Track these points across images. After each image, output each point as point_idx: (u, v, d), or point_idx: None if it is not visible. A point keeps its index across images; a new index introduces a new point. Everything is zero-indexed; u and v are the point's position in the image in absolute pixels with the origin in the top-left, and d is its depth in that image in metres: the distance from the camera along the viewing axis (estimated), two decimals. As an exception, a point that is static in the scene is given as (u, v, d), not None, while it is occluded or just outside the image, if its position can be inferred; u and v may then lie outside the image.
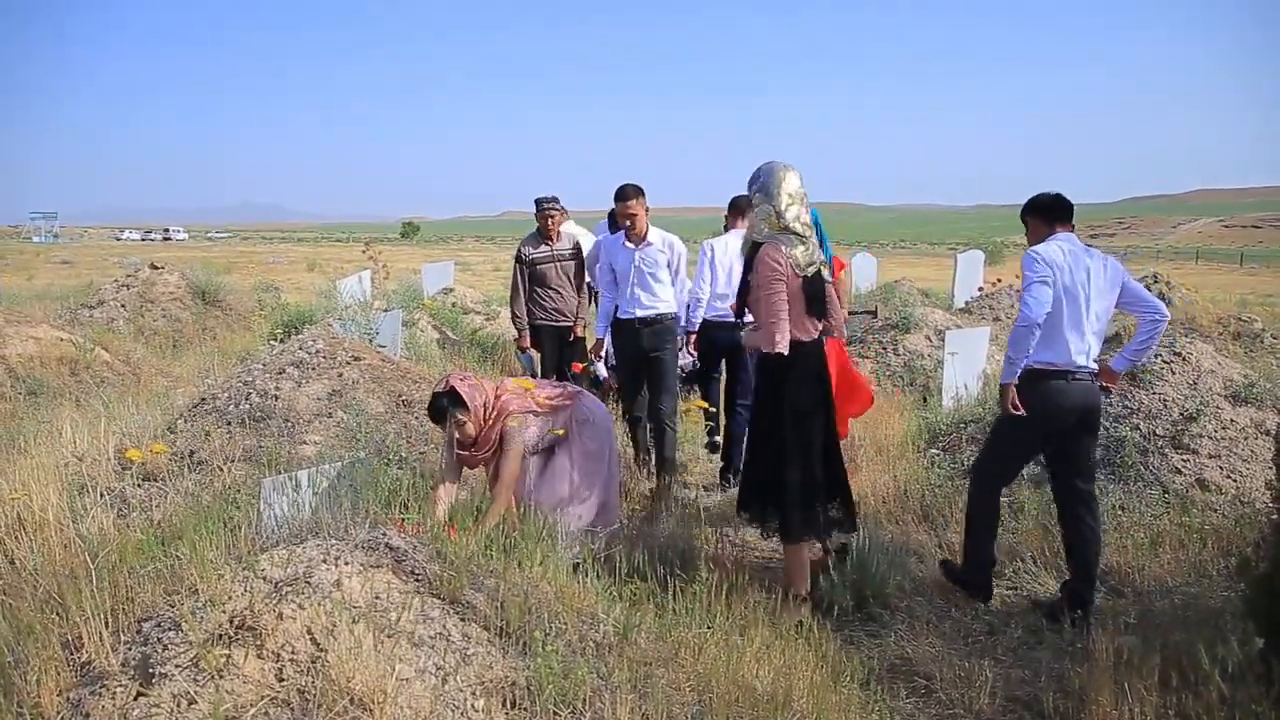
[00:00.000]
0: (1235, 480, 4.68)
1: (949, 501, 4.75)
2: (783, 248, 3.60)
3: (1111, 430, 4.96)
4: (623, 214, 5.27)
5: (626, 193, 5.21)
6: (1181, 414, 4.94)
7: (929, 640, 3.52)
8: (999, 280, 11.93)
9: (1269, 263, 51.88)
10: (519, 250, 6.32)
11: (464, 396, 3.60)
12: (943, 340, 7.33)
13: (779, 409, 3.71)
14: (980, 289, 12.04)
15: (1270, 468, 4.26)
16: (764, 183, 3.68)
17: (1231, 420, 4.93)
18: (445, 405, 3.61)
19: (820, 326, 3.78)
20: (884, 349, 8.51)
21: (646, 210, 5.26)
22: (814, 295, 3.68)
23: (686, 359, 5.60)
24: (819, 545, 4.01)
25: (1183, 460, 4.78)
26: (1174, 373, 5.19)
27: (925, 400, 6.93)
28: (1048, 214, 3.84)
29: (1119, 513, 4.48)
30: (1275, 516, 3.15)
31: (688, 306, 5.50)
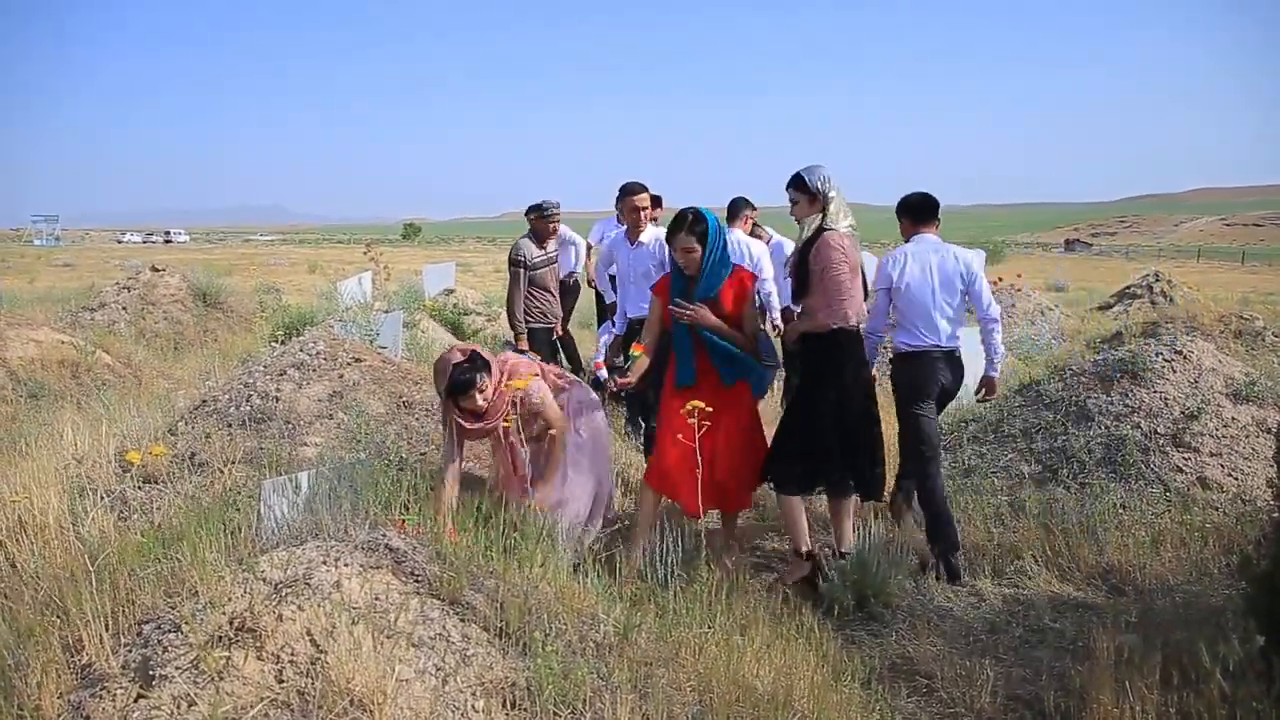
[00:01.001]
0: (1236, 478, 4.68)
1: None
2: (847, 236, 3.87)
3: (1113, 428, 4.96)
4: (635, 207, 5.16)
5: (636, 186, 5.15)
6: (1183, 412, 4.93)
7: (930, 639, 3.51)
8: (1000, 280, 11.91)
9: (1270, 261, 51.83)
10: (521, 254, 6.19)
11: (489, 361, 3.61)
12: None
13: (827, 388, 3.91)
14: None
15: (1271, 465, 4.25)
16: (834, 184, 3.89)
17: (1233, 418, 4.93)
18: (472, 377, 3.52)
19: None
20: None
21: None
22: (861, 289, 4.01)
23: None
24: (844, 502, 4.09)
25: (1184, 458, 4.78)
26: (1175, 371, 5.19)
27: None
28: (915, 214, 4.30)
29: (1120, 511, 4.48)
30: (1276, 514, 3.14)
31: None
